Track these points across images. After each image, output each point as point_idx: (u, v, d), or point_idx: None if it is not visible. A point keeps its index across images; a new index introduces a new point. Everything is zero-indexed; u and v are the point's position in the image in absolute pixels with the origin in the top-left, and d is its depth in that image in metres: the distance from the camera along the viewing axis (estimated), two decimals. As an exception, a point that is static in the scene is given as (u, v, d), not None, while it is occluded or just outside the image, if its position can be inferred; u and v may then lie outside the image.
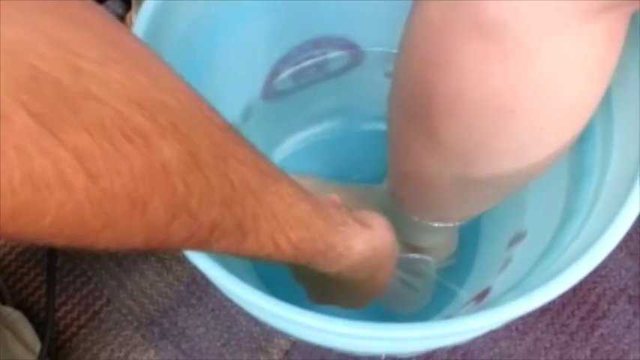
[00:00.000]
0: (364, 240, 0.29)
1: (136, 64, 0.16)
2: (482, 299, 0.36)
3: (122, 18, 0.55)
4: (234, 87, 0.40)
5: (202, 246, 0.20)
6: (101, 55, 0.15)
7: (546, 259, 0.31)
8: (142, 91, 0.15)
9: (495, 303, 0.28)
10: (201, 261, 0.26)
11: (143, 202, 0.15)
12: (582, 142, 0.31)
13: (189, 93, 0.18)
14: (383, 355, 0.33)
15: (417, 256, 0.44)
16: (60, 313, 0.51)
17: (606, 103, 0.30)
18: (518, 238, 0.38)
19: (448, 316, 0.37)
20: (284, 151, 0.50)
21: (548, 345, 0.49)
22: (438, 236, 0.43)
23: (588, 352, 0.48)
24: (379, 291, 0.35)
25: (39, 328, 0.47)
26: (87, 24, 0.15)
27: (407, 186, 0.36)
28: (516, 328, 0.49)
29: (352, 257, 0.29)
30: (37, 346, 0.44)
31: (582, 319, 0.49)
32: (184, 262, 0.53)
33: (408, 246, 0.44)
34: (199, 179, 0.17)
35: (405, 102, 0.28)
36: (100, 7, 0.17)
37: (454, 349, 0.48)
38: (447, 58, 0.24)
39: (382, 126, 0.50)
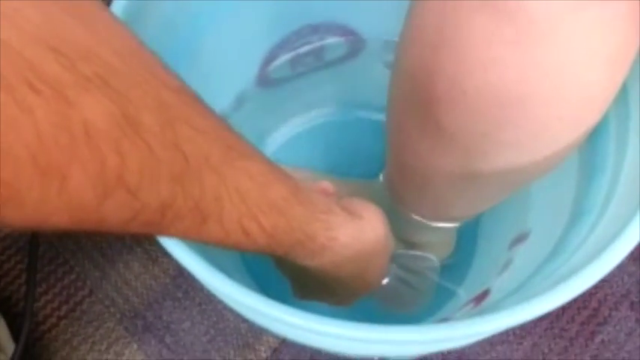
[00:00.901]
0: (351, 231, 0.27)
1: (61, 3, 0.13)
2: (481, 301, 0.34)
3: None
4: (226, 72, 0.38)
5: (153, 229, 0.17)
6: None
7: (551, 262, 0.29)
8: (63, 35, 0.13)
9: (497, 307, 0.26)
10: (182, 254, 0.24)
11: (59, 172, 0.12)
12: (595, 137, 0.29)
13: (133, 44, 0.16)
14: (376, 358, 0.31)
15: (418, 252, 0.42)
16: (40, 303, 0.49)
17: (622, 98, 0.28)
18: (520, 238, 0.36)
19: (445, 318, 0.36)
20: (277, 140, 0.48)
21: (546, 350, 0.47)
22: (436, 236, 0.41)
23: (588, 359, 0.47)
24: (370, 288, 0.33)
25: (17, 318, 0.45)
26: None
27: (405, 181, 0.34)
28: (513, 332, 0.48)
29: (337, 250, 0.26)
30: (9, 345, 0.42)
31: (582, 324, 0.48)
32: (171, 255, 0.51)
33: (405, 243, 0.42)
34: (139, 148, 0.14)
35: (406, 88, 0.26)
36: None
37: (448, 353, 0.46)
38: (452, 35, 0.22)
39: (380, 118, 0.49)
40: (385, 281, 0.39)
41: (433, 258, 0.42)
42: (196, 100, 0.18)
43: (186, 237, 0.19)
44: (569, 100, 0.23)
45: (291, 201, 0.22)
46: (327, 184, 0.28)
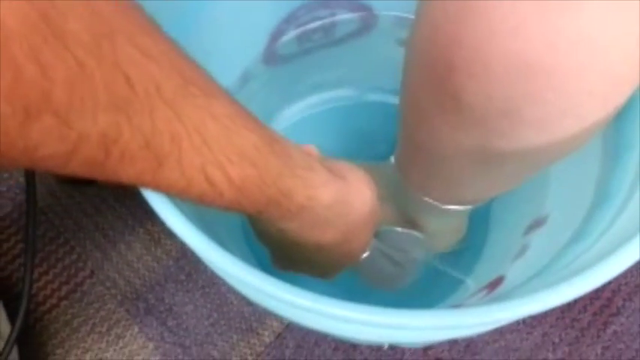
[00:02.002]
0: (334, 192, 0.24)
1: None
2: (494, 288, 0.33)
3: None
4: (231, 47, 0.37)
5: (99, 171, 0.15)
6: None
7: (572, 249, 0.27)
8: None
9: (515, 295, 0.24)
10: (188, 233, 0.23)
11: None
12: (621, 114, 0.27)
13: None
14: (386, 345, 0.30)
15: (404, 230, 0.40)
16: (40, 283, 0.48)
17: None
18: (537, 223, 0.35)
19: (458, 305, 0.34)
20: (285, 121, 0.47)
21: (557, 340, 0.46)
22: (447, 219, 0.40)
23: (599, 350, 0.45)
24: (352, 259, 0.31)
25: (16, 298, 0.44)
26: None
27: (418, 161, 0.33)
28: (523, 321, 0.47)
29: (317, 211, 0.24)
30: (5, 326, 0.41)
31: (595, 314, 0.47)
32: (174, 236, 0.50)
33: (414, 228, 0.41)
34: (64, 60, 0.12)
35: (423, 58, 0.25)
36: None
37: (457, 341, 0.45)
38: (474, 2, 0.20)
39: (392, 99, 0.47)
40: (367, 254, 0.38)
41: (419, 236, 0.41)
42: (146, 20, 0.16)
43: (142, 184, 0.17)
44: (601, 74, 0.21)
45: (264, 151, 0.20)
46: (311, 147, 0.26)
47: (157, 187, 0.18)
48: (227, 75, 0.39)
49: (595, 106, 0.22)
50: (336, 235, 0.26)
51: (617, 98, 0.23)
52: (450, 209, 0.36)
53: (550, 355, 0.45)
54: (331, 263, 0.30)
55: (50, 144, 0.13)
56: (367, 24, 0.41)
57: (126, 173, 0.16)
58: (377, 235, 0.35)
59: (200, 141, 0.17)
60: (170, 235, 0.50)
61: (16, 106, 0.12)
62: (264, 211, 0.22)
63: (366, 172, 0.30)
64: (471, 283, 0.43)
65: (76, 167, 0.15)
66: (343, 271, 0.33)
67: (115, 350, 0.46)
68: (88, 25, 0.13)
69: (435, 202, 0.35)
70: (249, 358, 0.45)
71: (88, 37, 0.13)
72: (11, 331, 0.37)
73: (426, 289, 0.44)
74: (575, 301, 0.47)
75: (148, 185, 0.18)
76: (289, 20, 0.39)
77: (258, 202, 0.21)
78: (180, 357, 0.45)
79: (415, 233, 0.41)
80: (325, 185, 0.24)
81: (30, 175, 0.36)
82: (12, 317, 0.41)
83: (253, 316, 0.47)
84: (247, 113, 0.20)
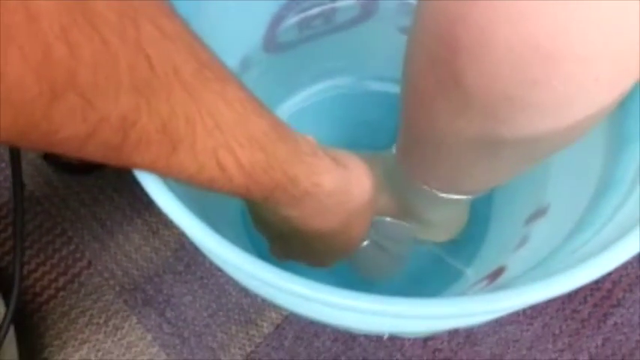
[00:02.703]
0: (336, 179, 0.25)
1: None
2: (495, 278, 0.33)
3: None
4: (230, 33, 0.36)
5: (115, 155, 0.15)
6: None
7: (574, 238, 0.27)
8: None
9: (514, 284, 0.24)
10: (188, 222, 0.22)
11: None
12: (625, 106, 0.27)
13: None
14: (386, 334, 0.30)
15: (394, 220, 0.40)
16: (37, 274, 0.47)
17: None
18: (538, 213, 0.34)
19: (460, 295, 0.34)
20: (285, 108, 0.46)
21: (557, 331, 0.46)
22: (448, 209, 0.40)
23: (600, 342, 0.45)
24: (351, 248, 0.31)
25: (10, 288, 0.44)
26: None
27: (418, 149, 0.32)
28: (523, 312, 0.46)
29: (320, 198, 0.24)
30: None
31: (595, 306, 0.46)
32: (173, 226, 0.50)
33: (415, 218, 0.40)
34: (92, 41, 0.12)
35: (425, 41, 0.24)
36: None
37: (456, 332, 0.45)
38: None
39: (393, 88, 0.47)
40: (365, 243, 0.38)
41: (408, 226, 0.41)
42: (165, 2, 0.16)
43: (154, 169, 0.17)
44: (609, 60, 0.21)
45: (272, 137, 0.20)
46: (309, 137, 0.26)
47: (169, 172, 0.18)
48: (227, 62, 0.38)
49: (601, 92, 0.22)
50: (336, 223, 0.26)
51: (623, 84, 0.22)
52: (450, 199, 0.36)
53: (550, 347, 0.45)
54: (330, 251, 0.30)
55: (71, 125, 0.13)
56: (368, 10, 0.40)
57: (141, 158, 0.16)
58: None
59: (213, 125, 0.17)
60: (168, 225, 0.49)
61: (43, 84, 0.12)
62: (270, 197, 0.22)
63: (366, 161, 0.30)
64: (472, 273, 0.43)
65: (93, 151, 0.14)
66: (339, 261, 0.33)
67: (113, 341, 0.46)
68: (114, 6, 0.13)
69: (436, 191, 0.34)
70: (248, 349, 0.45)
71: (114, 17, 0.13)
72: (5, 314, 0.37)
73: (427, 279, 0.44)
74: (576, 293, 0.47)
75: (160, 170, 0.17)
76: (289, 6, 0.38)
77: (266, 187, 0.21)
78: (178, 348, 0.45)
79: (405, 224, 0.41)
80: (329, 172, 0.24)
81: (15, 153, 0.36)
82: (5, 302, 0.41)
83: (252, 307, 0.46)
84: (256, 99, 0.20)
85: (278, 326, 0.46)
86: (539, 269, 0.27)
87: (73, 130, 0.13)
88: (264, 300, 0.43)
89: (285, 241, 0.29)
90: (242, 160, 0.19)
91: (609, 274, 0.47)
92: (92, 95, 0.13)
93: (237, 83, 0.19)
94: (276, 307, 0.46)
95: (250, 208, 0.28)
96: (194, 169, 0.18)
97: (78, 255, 0.48)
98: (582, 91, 0.22)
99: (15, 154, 0.36)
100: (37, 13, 0.11)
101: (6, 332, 0.38)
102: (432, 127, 0.28)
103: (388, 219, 0.40)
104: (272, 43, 0.40)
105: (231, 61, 0.39)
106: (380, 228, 0.39)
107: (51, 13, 0.11)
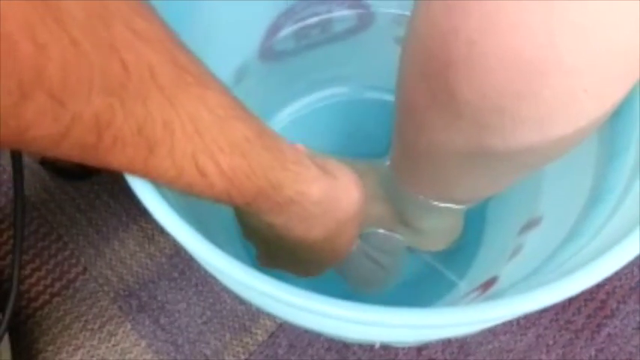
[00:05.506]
0: (323, 188, 0.24)
1: None
2: (488, 288, 0.33)
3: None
4: (226, 41, 0.36)
5: (91, 155, 0.15)
6: None
7: (566, 248, 0.27)
8: None
9: (507, 294, 0.24)
10: (181, 232, 0.22)
11: None
12: (617, 116, 0.27)
13: None
14: (377, 344, 0.30)
15: (387, 232, 0.40)
16: (32, 280, 0.47)
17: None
18: (531, 224, 0.34)
19: (452, 304, 0.34)
20: (282, 118, 0.46)
21: (550, 342, 0.46)
22: (442, 218, 0.40)
23: (593, 352, 0.45)
24: (337, 258, 0.31)
25: (7, 294, 0.44)
26: None
27: (413, 159, 0.33)
28: (517, 322, 0.46)
29: (305, 206, 0.24)
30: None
31: (589, 316, 0.46)
32: (168, 233, 0.50)
33: (409, 227, 0.41)
34: (60, 40, 0.12)
35: (418, 52, 0.24)
36: None
37: (450, 342, 0.45)
38: None
39: (388, 97, 0.47)
40: (357, 255, 0.38)
41: (401, 238, 0.41)
42: (143, 4, 0.16)
43: (132, 171, 0.17)
44: (600, 72, 0.21)
45: (255, 143, 0.20)
46: (299, 145, 0.26)
47: (147, 175, 0.17)
48: (223, 70, 0.38)
49: (591, 104, 0.22)
50: (322, 232, 0.26)
51: (613, 96, 0.23)
52: (444, 208, 0.36)
53: (544, 357, 0.45)
54: (315, 261, 0.30)
55: (43, 125, 0.13)
56: (364, 21, 0.41)
57: (117, 159, 0.16)
58: (360, 236, 0.35)
59: (192, 129, 0.17)
60: (164, 232, 0.49)
61: (10, 84, 0.12)
62: (253, 203, 0.22)
63: (359, 170, 0.30)
64: (465, 283, 0.43)
65: (67, 150, 0.14)
66: (328, 272, 0.33)
67: (107, 347, 0.45)
68: (83, 6, 0.13)
69: (430, 200, 0.35)
70: (242, 356, 0.45)
71: (84, 17, 0.13)
72: (1, 320, 0.37)
73: (420, 289, 0.44)
74: (569, 303, 0.47)
75: (138, 173, 0.17)
76: (287, 15, 0.39)
77: (248, 193, 0.21)
78: (172, 355, 0.45)
79: (397, 236, 0.41)
80: (315, 181, 0.24)
81: (17, 157, 0.36)
82: (5, 312, 0.41)
83: (246, 314, 0.46)
84: (240, 104, 0.20)
85: (272, 334, 0.46)
86: (531, 279, 0.27)
87: (44, 129, 0.13)
88: (258, 308, 0.43)
89: (270, 248, 0.29)
90: (223, 165, 0.19)
91: (603, 285, 0.48)
92: (63, 95, 0.13)
93: (220, 87, 0.19)
94: (270, 315, 0.46)
95: (237, 215, 0.28)
96: (173, 173, 0.18)
97: (73, 261, 0.48)
98: (572, 102, 0.22)
99: (17, 162, 0.35)
100: (1, 11, 0.11)
101: (1, 338, 0.37)
102: (424, 137, 0.28)
103: (381, 231, 0.40)
104: (269, 52, 0.41)
105: (228, 69, 0.39)
106: (373, 240, 0.39)
107: (15, 11, 0.11)
